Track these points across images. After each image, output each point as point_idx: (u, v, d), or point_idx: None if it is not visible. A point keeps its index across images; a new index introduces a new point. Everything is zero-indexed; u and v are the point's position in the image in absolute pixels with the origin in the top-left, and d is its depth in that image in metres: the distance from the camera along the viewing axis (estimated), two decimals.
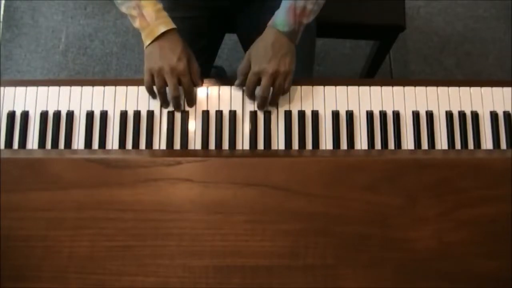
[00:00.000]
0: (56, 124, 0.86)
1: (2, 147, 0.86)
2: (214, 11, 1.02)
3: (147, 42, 0.83)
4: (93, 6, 1.74)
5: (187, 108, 0.87)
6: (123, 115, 0.87)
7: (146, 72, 0.84)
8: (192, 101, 0.87)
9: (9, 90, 0.88)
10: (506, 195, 0.61)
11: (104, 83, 0.88)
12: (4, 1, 1.75)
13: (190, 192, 0.61)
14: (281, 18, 0.83)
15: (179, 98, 0.85)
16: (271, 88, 0.84)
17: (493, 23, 1.74)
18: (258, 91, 0.85)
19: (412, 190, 0.61)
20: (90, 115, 0.86)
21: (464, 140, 0.87)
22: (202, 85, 0.88)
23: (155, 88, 0.85)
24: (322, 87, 0.88)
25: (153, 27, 0.82)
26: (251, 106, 0.87)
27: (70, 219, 0.60)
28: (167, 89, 0.84)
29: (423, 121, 0.87)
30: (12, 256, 0.58)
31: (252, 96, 0.86)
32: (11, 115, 0.87)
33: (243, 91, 0.87)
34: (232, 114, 0.87)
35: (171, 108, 0.87)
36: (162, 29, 0.82)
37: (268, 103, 0.86)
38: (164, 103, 0.86)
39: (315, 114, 0.87)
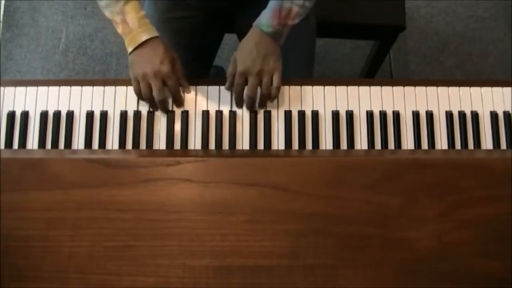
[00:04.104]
0: (56, 124, 0.86)
1: (2, 147, 0.86)
2: (213, 11, 1.02)
3: (129, 49, 0.83)
4: (93, 6, 1.74)
5: (187, 108, 0.87)
6: (123, 115, 0.87)
7: (132, 80, 0.84)
8: (179, 103, 0.87)
9: (9, 90, 0.88)
10: (506, 195, 0.61)
11: (104, 83, 0.88)
12: (4, 1, 1.75)
13: (190, 192, 0.61)
14: (266, 19, 0.83)
15: (166, 101, 0.85)
16: (259, 88, 0.84)
17: (493, 23, 1.74)
18: (246, 91, 0.84)
19: (412, 190, 0.61)
20: (90, 115, 0.86)
21: (464, 140, 0.87)
22: (189, 87, 0.88)
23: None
24: (322, 87, 0.88)
25: (135, 34, 0.82)
26: None
27: (70, 219, 0.60)
28: (153, 92, 0.83)
29: (423, 121, 0.87)
30: (12, 256, 0.58)
31: (240, 98, 0.86)
32: (11, 115, 0.87)
33: None
34: (232, 114, 0.87)
35: (170, 108, 0.87)
36: (144, 37, 0.82)
37: (256, 103, 0.86)
38: (154, 108, 0.86)
39: (315, 114, 0.87)
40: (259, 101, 0.86)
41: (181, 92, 0.87)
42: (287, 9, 0.82)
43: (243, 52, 0.84)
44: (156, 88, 0.82)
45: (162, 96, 0.83)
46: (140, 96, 0.85)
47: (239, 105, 0.87)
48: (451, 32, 1.73)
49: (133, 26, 0.82)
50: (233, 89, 0.86)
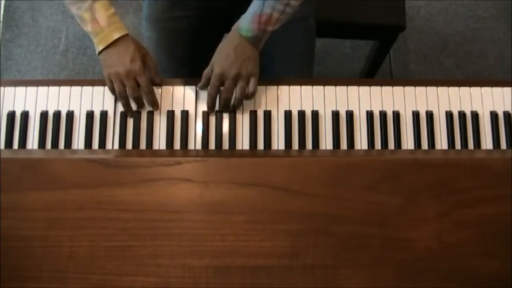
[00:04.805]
0: (56, 124, 0.86)
1: (2, 147, 0.86)
2: (212, 12, 1.02)
3: (100, 47, 0.83)
4: None
5: (186, 108, 0.87)
6: (123, 115, 0.87)
7: (106, 80, 0.85)
8: (152, 102, 0.86)
9: (9, 90, 0.88)
10: (506, 195, 0.61)
11: (104, 83, 0.88)
12: (4, 1, 1.75)
13: (190, 192, 0.61)
14: (245, 24, 0.83)
15: (141, 98, 0.85)
16: (234, 91, 0.84)
17: (493, 23, 1.74)
18: (222, 93, 0.84)
19: (412, 190, 0.61)
20: (90, 115, 0.86)
21: (464, 140, 0.87)
22: (160, 81, 0.88)
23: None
24: (322, 87, 0.88)
25: (107, 33, 0.82)
26: (251, 106, 0.87)
27: (70, 219, 0.60)
28: (127, 91, 0.84)
29: (423, 121, 0.87)
30: (12, 256, 0.58)
31: (213, 100, 0.85)
32: (11, 115, 0.87)
33: None
34: (232, 114, 0.87)
35: (170, 108, 0.87)
36: (116, 35, 0.82)
37: (231, 105, 0.86)
38: (127, 108, 0.86)
39: (315, 114, 0.87)
40: (233, 104, 0.85)
41: (154, 91, 0.86)
42: (267, 14, 0.81)
43: (221, 54, 0.84)
44: (129, 87, 0.83)
45: (136, 94, 0.83)
46: (114, 94, 0.86)
47: (211, 107, 0.86)
48: (451, 32, 1.73)
49: (104, 24, 0.82)
50: (208, 91, 0.85)
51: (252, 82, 0.84)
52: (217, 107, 0.87)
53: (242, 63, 0.82)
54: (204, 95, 0.88)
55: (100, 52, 0.84)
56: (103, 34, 0.82)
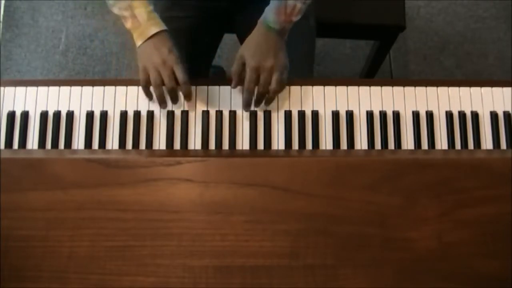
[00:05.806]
0: (56, 124, 0.86)
1: (2, 147, 0.86)
2: (212, 11, 1.02)
3: (138, 42, 0.84)
4: (93, 6, 1.74)
5: (186, 108, 0.87)
6: (123, 115, 0.87)
7: (141, 71, 0.84)
8: (189, 92, 0.84)
9: (9, 90, 0.88)
10: (506, 195, 0.61)
11: (104, 83, 0.88)
12: (4, 1, 1.75)
13: (190, 192, 0.61)
14: (272, 16, 0.83)
15: (176, 89, 0.84)
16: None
17: (493, 23, 1.74)
18: (258, 88, 0.84)
19: (412, 190, 0.61)
20: (90, 115, 0.86)
21: (464, 140, 0.87)
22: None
23: (151, 88, 0.84)
24: (322, 87, 0.88)
25: (145, 28, 0.83)
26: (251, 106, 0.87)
27: (70, 219, 0.60)
28: (164, 80, 0.82)
29: (423, 121, 0.87)
30: (12, 256, 0.58)
31: (252, 96, 0.85)
32: (11, 115, 0.87)
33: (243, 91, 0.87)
34: (232, 114, 0.87)
35: (171, 108, 0.87)
36: (154, 30, 0.83)
37: (264, 100, 0.85)
38: (161, 100, 0.84)
39: (315, 114, 0.87)
40: (267, 98, 0.85)
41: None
42: (291, 6, 0.82)
43: (252, 47, 0.84)
44: (166, 76, 0.82)
45: (173, 83, 0.82)
46: (146, 88, 0.84)
47: (248, 106, 0.85)
48: (451, 32, 1.73)
49: (142, 20, 0.83)
50: (245, 86, 0.84)
51: (285, 75, 0.84)
52: (215, 107, 0.87)
53: (275, 54, 0.83)
54: (203, 94, 0.88)
55: (138, 47, 0.84)
56: (141, 29, 0.83)
